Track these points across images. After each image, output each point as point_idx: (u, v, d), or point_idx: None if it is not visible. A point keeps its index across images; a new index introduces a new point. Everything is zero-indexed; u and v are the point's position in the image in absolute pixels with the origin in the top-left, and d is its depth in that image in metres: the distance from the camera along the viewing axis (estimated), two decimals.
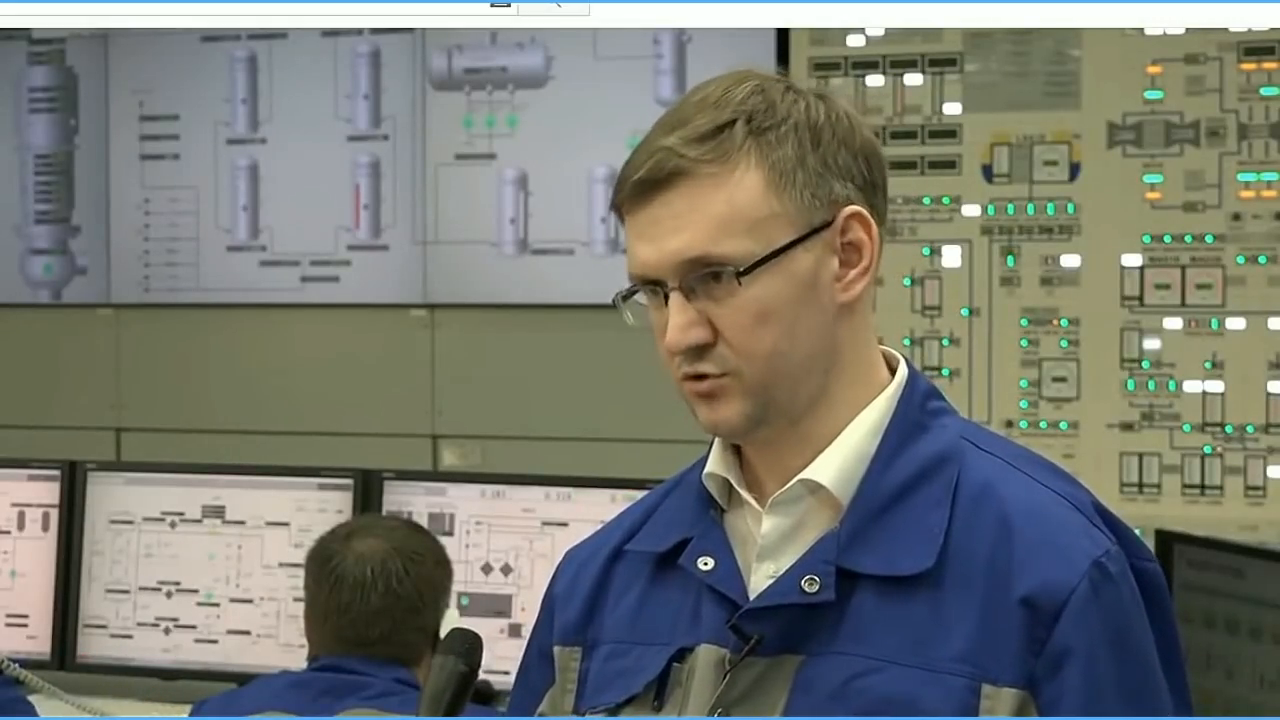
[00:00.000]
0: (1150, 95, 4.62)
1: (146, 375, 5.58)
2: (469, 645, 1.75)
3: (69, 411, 5.58)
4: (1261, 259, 4.57)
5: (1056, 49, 4.69)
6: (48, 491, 3.95)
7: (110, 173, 5.59)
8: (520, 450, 5.09)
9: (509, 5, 4.53)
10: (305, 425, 5.35)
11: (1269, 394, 4.57)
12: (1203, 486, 4.61)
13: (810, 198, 1.62)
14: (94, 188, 5.61)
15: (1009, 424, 4.72)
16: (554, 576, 1.81)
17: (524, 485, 3.75)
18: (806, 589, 1.60)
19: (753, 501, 1.67)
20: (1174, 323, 4.62)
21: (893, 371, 1.70)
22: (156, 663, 3.87)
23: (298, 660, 3.40)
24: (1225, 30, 4.56)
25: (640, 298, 1.66)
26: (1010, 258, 4.74)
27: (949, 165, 4.78)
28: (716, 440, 1.71)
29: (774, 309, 1.60)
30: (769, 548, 1.65)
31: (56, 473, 3.95)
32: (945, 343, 4.79)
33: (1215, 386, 4.60)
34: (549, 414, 5.18)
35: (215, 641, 3.84)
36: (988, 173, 4.75)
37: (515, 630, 3.63)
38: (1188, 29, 4.59)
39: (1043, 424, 4.72)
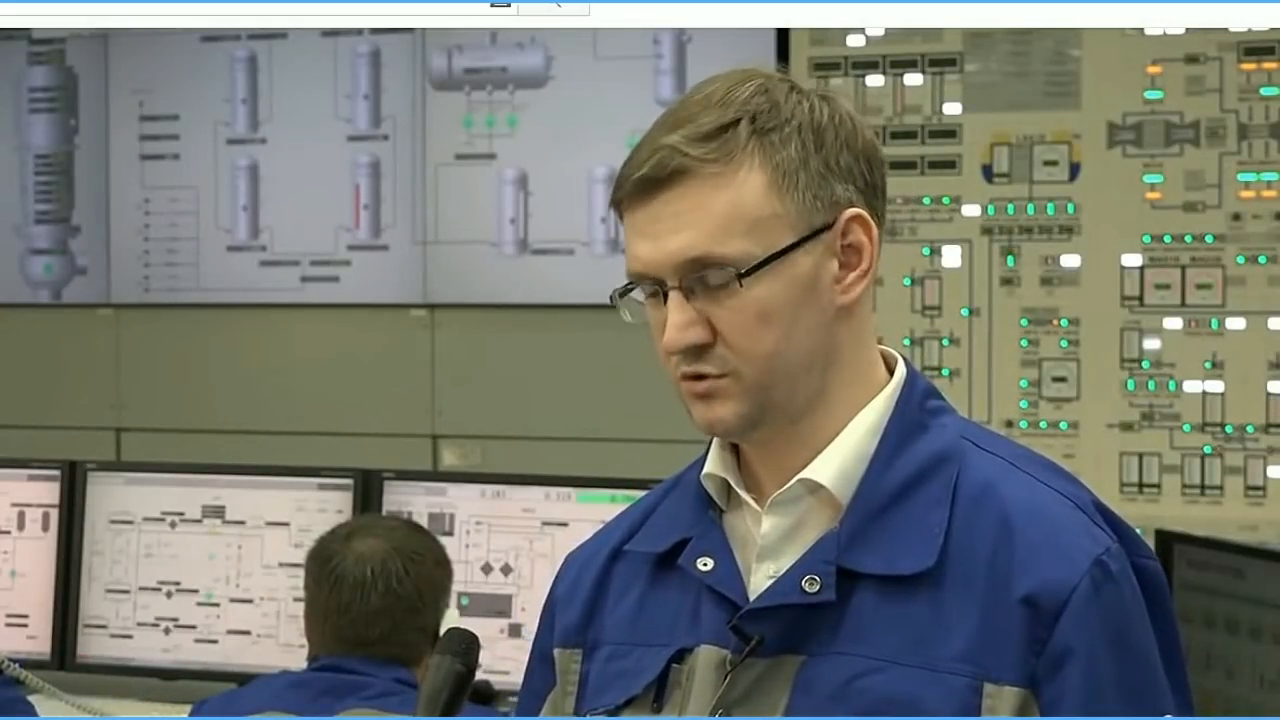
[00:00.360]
0: (1150, 95, 4.62)
1: (146, 375, 5.58)
2: (466, 645, 1.75)
3: (69, 411, 5.58)
4: (1261, 259, 4.57)
5: (1056, 49, 4.69)
6: (48, 491, 3.95)
7: (110, 173, 5.59)
8: (520, 450, 5.09)
9: (509, 5, 4.53)
10: (305, 425, 5.35)
11: (1269, 394, 4.57)
12: (1203, 486, 4.61)
13: (812, 199, 1.61)
14: (94, 188, 5.61)
15: (1009, 424, 4.72)
16: (555, 580, 1.81)
17: (524, 485, 3.74)
18: (807, 589, 1.60)
19: (752, 502, 1.67)
20: (1174, 323, 4.62)
21: (891, 371, 1.70)
22: (156, 663, 3.87)
23: (298, 660, 3.40)
24: (1225, 30, 4.56)
25: (638, 295, 1.66)
26: (1010, 258, 4.74)
27: (949, 165, 4.78)
28: (715, 440, 1.70)
29: (774, 310, 1.60)
30: (769, 548, 1.65)
31: (56, 473, 3.95)
32: (945, 343, 4.79)
33: (1215, 386, 4.60)
34: (549, 414, 5.18)
35: (215, 641, 3.84)
36: (988, 173, 4.75)
37: (515, 630, 3.63)
38: (1188, 29, 4.59)
39: (1043, 424, 4.72)
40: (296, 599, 3.27)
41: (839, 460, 1.64)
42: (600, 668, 1.72)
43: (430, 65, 5.29)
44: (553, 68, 5.19)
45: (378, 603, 2.88)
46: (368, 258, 5.36)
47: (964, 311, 4.78)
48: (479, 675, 1.78)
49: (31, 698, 3.11)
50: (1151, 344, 4.64)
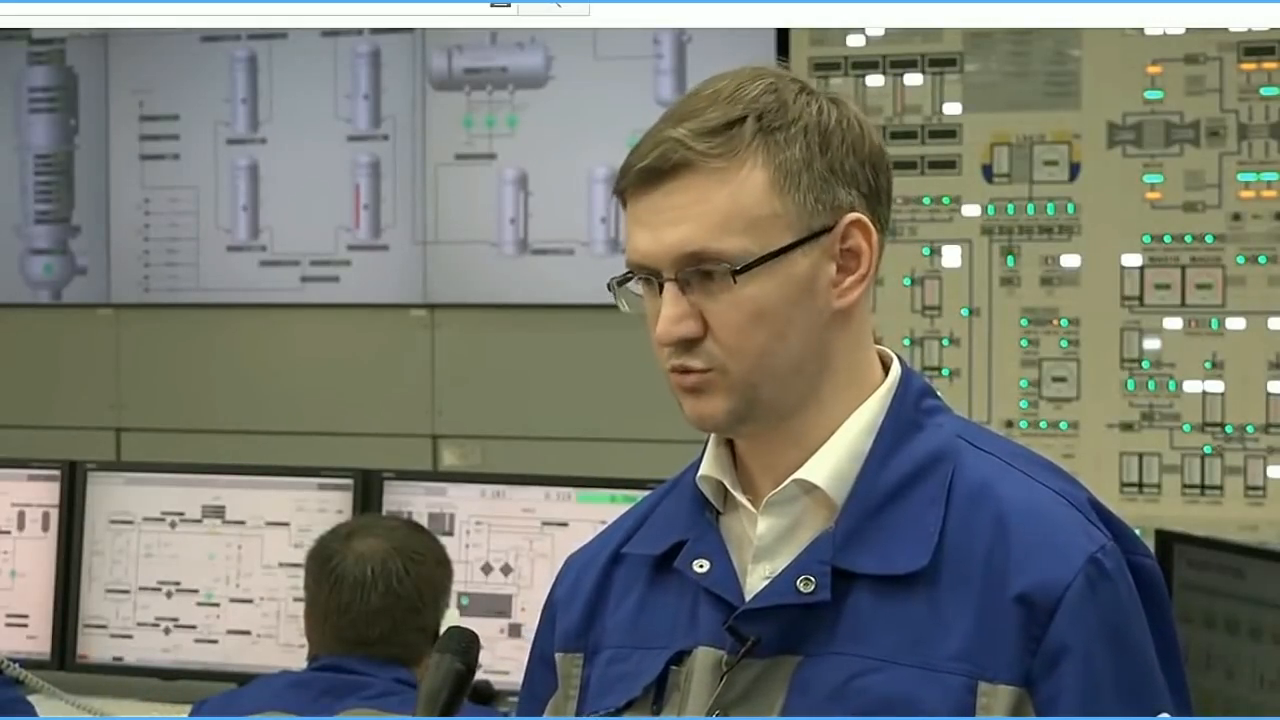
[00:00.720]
0: (1150, 95, 4.62)
1: (146, 375, 5.58)
2: (465, 644, 1.75)
3: (69, 411, 5.58)
4: (1261, 259, 4.57)
5: (1056, 49, 4.69)
6: (48, 491, 3.95)
7: (110, 173, 5.59)
8: (520, 450, 5.09)
9: (509, 5, 4.53)
10: (305, 425, 5.35)
11: (1269, 394, 4.56)
12: (1203, 486, 4.61)
13: (813, 202, 1.61)
14: (94, 188, 5.61)
15: (1009, 424, 4.72)
16: (555, 582, 1.81)
17: (524, 485, 3.74)
18: (802, 589, 1.60)
19: (747, 503, 1.67)
20: (1174, 323, 4.62)
21: (887, 371, 1.70)
22: (156, 663, 3.87)
23: (298, 660, 3.40)
24: (1225, 30, 4.56)
25: (635, 285, 1.66)
26: (1010, 258, 4.74)
27: (949, 165, 4.78)
28: (710, 442, 1.70)
29: (767, 309, 1.60)
30: (764, 549, 1.65)
31: (56, 473, 3.95)
32: (945, 343, 4.79)
33: (1215, 386, 4.60)
34: (549, 414, 5.18)
35: (215, 641, 3.84)
36: (988, 173, 4.75)
37: (515, 630, 3.63)
38: (1188, 29, 4.58)
39: (1043, 424, 4.72)
40: (296, 599, 3.28)
41: (833, 461, 1.64)
42: (601, 671, 1.72)
43: (430, 65, 5.29)
44: (553, 68, 5.19)
45: (378, 602, 2.89)
46: (368, 258, 5.36)
47: (964, 311, 4.78)
48: (479, 675, 1.78)
49: (31, 698, 3.11)
50: (1151, 344, 4.64)
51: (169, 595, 3.88)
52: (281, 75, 5.42)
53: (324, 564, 2.94)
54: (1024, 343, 4.73)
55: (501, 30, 5.20)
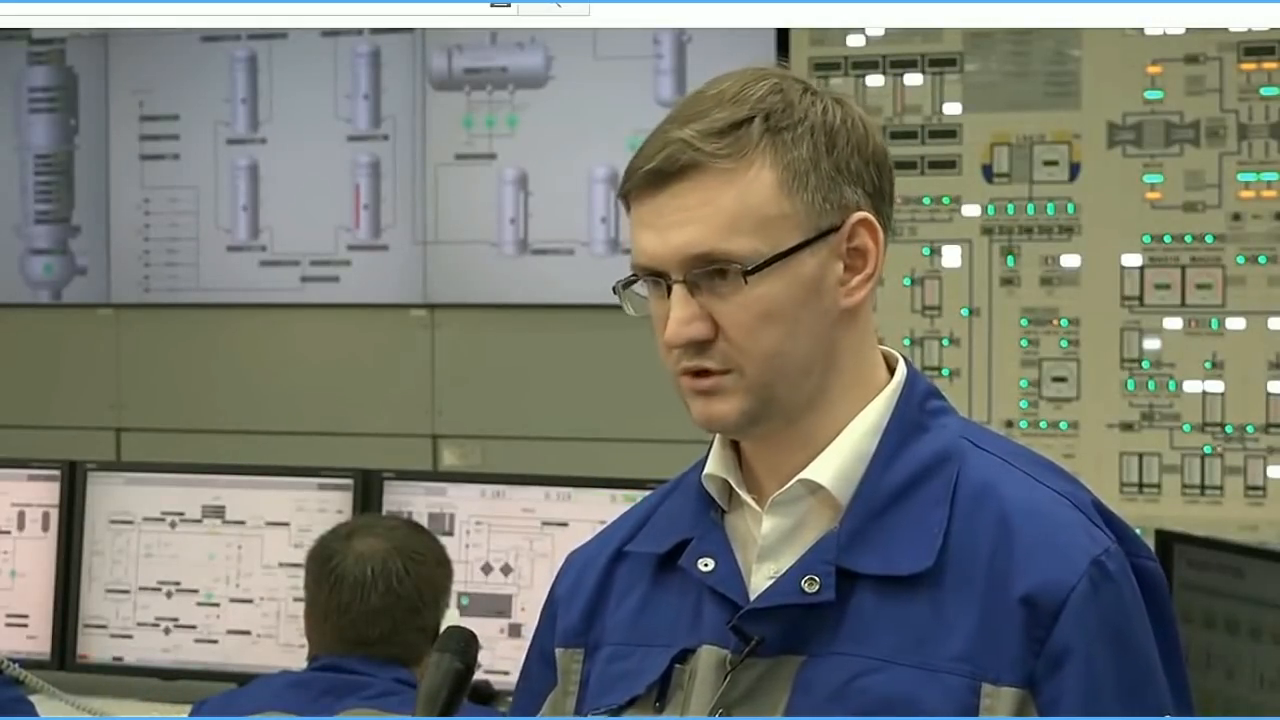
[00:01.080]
0: (1150, 95, 4.62)
1: (146, 375, 5.58)
2: (464, 643, 1.75)
3: (69, 411, 5.58)
4: (1261, 259, 4.57)
5: (1056, 49, 4.69)
6: (48, 491, 3.95)
7: (110, 173, 5.59)
8: (520, 450, 5.09)
9: (509, 5, 4.53)
10: (305, 425, 5.35)
11: (1269, 394, 4.56)
12: (1203, 486, 4.61)
13: (821, 201, 1.62)
14: (94, 188, 5.61)
15: (1009, 424, 4.72)
16: (556, 579, 1.81)
17: (524, 485, 3.74)
18: (806, 589, 1.60)
19: (752, 502, 1.67)
20: (1174, 323, 4.62)
21: (893, 372, 1.70)
22: (156, 663, 3.87)
23: (298, 660, 3.40)
24: (1225, 30, 4.56)
25: (640, 288, 1.66)
26: (1010, 258, 4.74)
27: (949, 165, 4.78)
28: (715, 441, 1.70)
29: (777, 309, 1.60)
30: (769, 548, 1.65)
31: (56, 473, 3.95)
32: (945, 343, 4.79)
33: (1215, 386, 4.60)
34: (549, 414, 5.17)
35: (215, 641, 3.84)
36: (988, 173, 4.75)
37: (515, 630, 3.63)
38: (1188, 29, 4.58)
39: (1043, 424, 4.72)
40: (296, 599, 3.28)
41: (838, 461, 1.64)
42: (602, 668, 1.71)
43: (430, 65, 5.29)
44: (553, 68, 5.19)
45: (378, 602, 2.88)
46: (368, 258, 5.36)
47: (964, 311, 4.78)
48: (479, 675, 1.78)
49: (31, 698, 3.11)
50: (1151, 344, 4.64)
51: (169, 595, 3.88)
52: (281, 75, 5.42)
53: (324, 564, 2.94)
54: (1024, 343, 4.73)
55: (501, 30, 5.20)
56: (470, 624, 1.83)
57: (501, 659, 3.53)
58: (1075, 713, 1.54)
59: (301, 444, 5.20)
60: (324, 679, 2.86)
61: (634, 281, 1.66)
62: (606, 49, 5.11)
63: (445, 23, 5.12)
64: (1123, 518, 1.66)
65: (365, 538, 2.96)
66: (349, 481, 3.80)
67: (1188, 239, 4.60)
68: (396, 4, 4.82)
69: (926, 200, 4.78)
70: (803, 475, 1.64)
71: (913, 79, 4.80)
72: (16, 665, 3.08)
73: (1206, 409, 4.61)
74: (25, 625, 3.93)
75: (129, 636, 3.89)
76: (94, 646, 3.90)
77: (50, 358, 5.65)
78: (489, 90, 5.24)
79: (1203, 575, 3.02)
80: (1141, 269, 4.64)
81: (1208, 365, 4.60)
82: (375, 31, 5.32)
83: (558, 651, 1.76)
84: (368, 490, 3.79)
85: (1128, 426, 4.66)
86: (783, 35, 4.86)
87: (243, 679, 3.39)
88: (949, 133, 4.78)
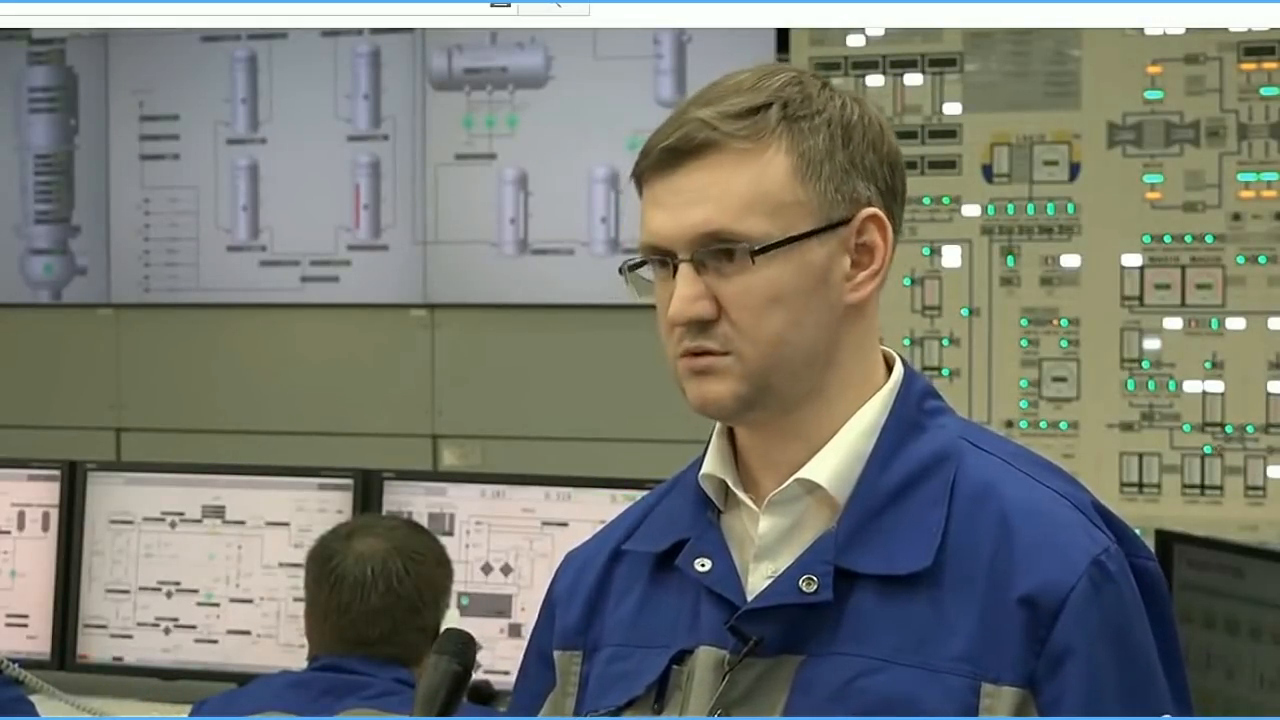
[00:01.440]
0: (1150, 95, 4.62)
1: (146, 375, 5.58)
2: (462, 645, 1.75)
3: (69, 411, 5.58)
4: (1261, 259, 4.57)
5: (1056, 49, 4.69)
6: (48, 491, 3.95)
7: (110, 173, 5.59)
8: (520, 450, 5.09)
9: (509, 5, 4.53)
10: (305, 425, 5.35)
11: (1269, 394, 4.56)
12: (1203, 486, 4.61)
13: (834, 192, 1.62)
14: (94, 188, 5.61)
15: (1009, 424, 4.72)
16: (554, 579, 1.81)
17: (524, 485, 3.74)
18: (804, 589, 1.60)
19: (749, 502, 1.67)
20: (1174, 323, 4.62)
21: (890, 371, 1.70)
22: (156, 663, 3.87)
23: (298, 660, 3.40)
24: (1225, 30, 4.56)
25: (646, 272, 1.66)
26: (1010, 258, 4.74)
27: (949, 165, 4.78)
28: (713, 441, 1.70)
29: (783, 294, 1.60)
30: (766, 548, 1.64)
31: (56, 473, 3.95)
32: (945, 343, 4.79)
33: (1215, 386, 4.60)
34: (549, 414, 5.17)
35: (215, 641, 3.84)
36: (988, 173, 4.75)
37: (515, 630, 3.63)
38: (1188, 29, 4.58)
39: (1043, 424, 4.72)
40: (296, 599, 3.28)
41: (836, 460, 1.64)
42: (601, 669, 1.71)
43: (430, 65, 5.29)
44: (553, 68, 5.19)
45: (378, 602, 2.88)
46: (368, 258, 5.36)
47: (964, 311, 4.78)
48: (479, 675, 1.78)
49: (32, 698, 3.11)
50: (1151, 344, 4.64)
51: (169, 595, 3.88)
52: (281, 75, 5.42)
53: (324, 564, 2.94)
54: (1024, 343, 4.73)
55: (501, 30, 5.20)
56: (470, 624, 1.84)
57: (501, 659, 3.53)
58: (1076, 713, 1.54)
59: (301, 444, 5.20)
60: (324, 679, 2.86)
61: (641, 265, 1.66)
62: (606, 49, 5.11)
63: (445, 23, 5.12)
64: (1123, 518, 1.66)
65: (365, 538, 2.96)
66: (349, 481, 3.80)
67: (1188, 239, 4.60)
68: (396, 4, 4.82)
69: (926, 200, 4.78)
70: (800, 475, 1.64)
71: (913, 79, 4.80)
72: (16, 665, 3.08)
73: (1206, 409, 4.61)
74: (25, 625, 3.94)
75: (129, 636, 3.89)
76: (94, 646, 3.90)
77: (50, 358, 5.65)
78: (489, 90, 5.24)
79: (1203, 575, 3.02)
80: (1141, 269, 4.64)
81: (1208, 365, 4.60)
82: (375, 31, 5.32)
83: (556, 654, 1.75)
84: (368, 490, 3.79)
85: (1128, 426, 4.66)
86: (783, 35, 4.86)
87: (243, 679, 3.39)
88: (949, 133, 4.78)
